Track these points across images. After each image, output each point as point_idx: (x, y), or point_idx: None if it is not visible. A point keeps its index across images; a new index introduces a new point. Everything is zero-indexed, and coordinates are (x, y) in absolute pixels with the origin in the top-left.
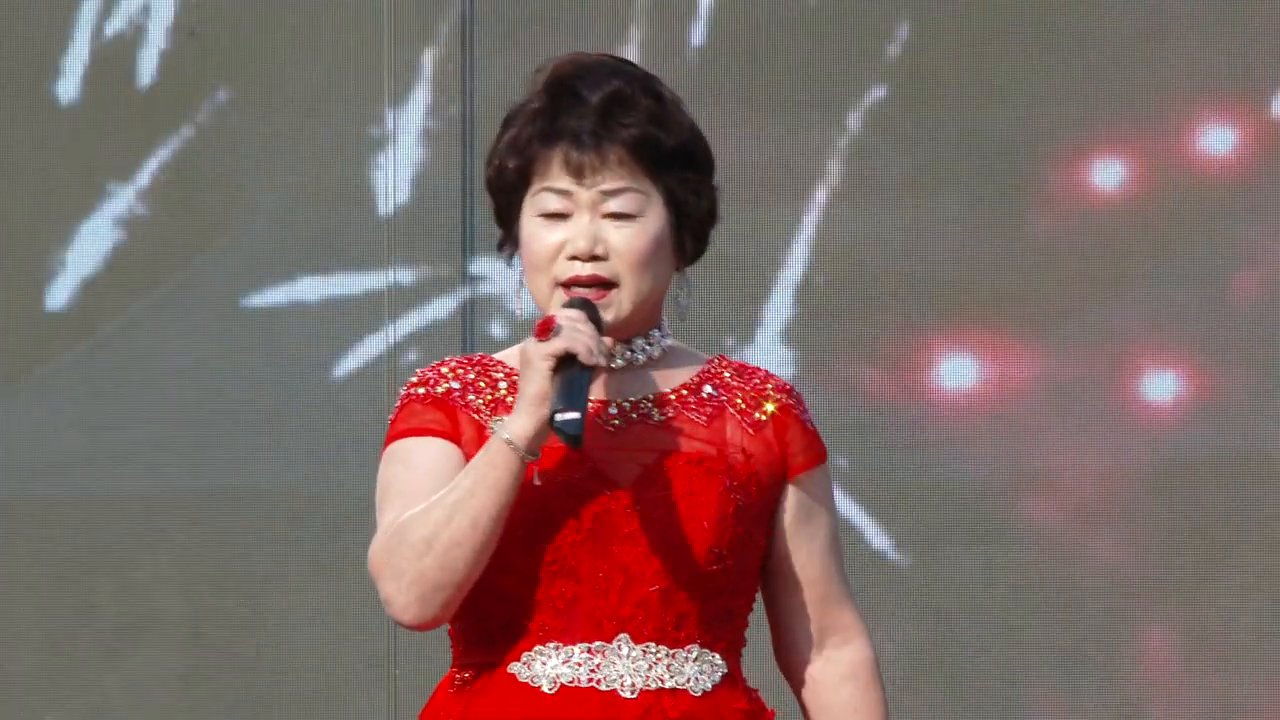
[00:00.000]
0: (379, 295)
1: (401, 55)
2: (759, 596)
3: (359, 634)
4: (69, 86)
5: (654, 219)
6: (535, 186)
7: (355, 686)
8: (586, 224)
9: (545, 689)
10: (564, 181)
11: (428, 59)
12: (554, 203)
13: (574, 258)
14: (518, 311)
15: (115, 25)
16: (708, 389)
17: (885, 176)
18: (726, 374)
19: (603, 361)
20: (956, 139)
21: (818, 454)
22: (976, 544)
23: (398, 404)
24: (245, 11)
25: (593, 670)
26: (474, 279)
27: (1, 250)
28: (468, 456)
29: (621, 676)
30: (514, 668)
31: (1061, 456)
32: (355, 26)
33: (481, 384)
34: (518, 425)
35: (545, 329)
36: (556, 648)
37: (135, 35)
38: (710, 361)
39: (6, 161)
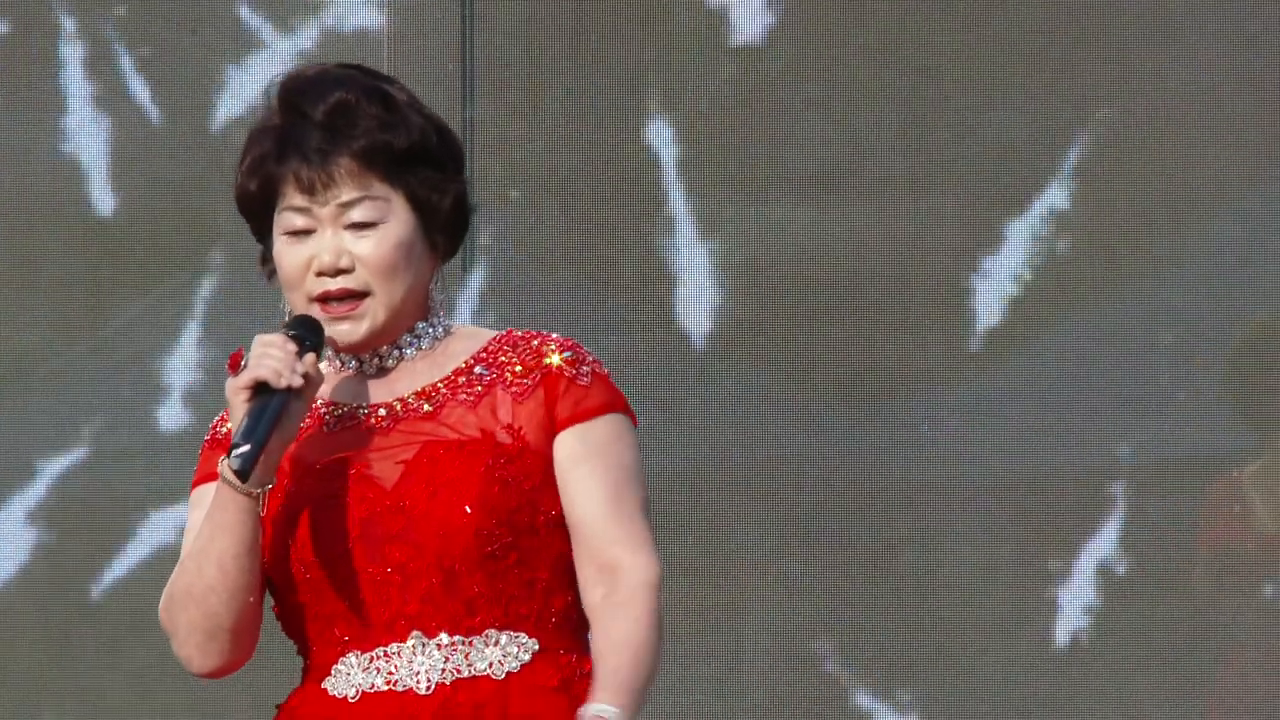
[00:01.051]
0: None
1: (401, 53)
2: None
3: None
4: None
5: (397, 223)
6: (279, 205)
7: None
8: (329, 238)
9: (350, 698)
10: (300, 199)
11: (426, 60)
12: (296, 220)
13: (321, 273)
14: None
15: None
16: (479, 369)
17: (886, 176)
18: (503, 351)
19: (298, 382)
20: (957, 139)
21: (593, 407)
22: (978, 542)
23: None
24: (244, 32)
25: (390, 672)
26: (475, 280)
27: None
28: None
29: (417, 674)
30: (326, 682)
31: (1066, 456)
32: (354, 29)
33: None
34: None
35: (235, 363)
36: (357, 655)
37: None
38: (493, 340)
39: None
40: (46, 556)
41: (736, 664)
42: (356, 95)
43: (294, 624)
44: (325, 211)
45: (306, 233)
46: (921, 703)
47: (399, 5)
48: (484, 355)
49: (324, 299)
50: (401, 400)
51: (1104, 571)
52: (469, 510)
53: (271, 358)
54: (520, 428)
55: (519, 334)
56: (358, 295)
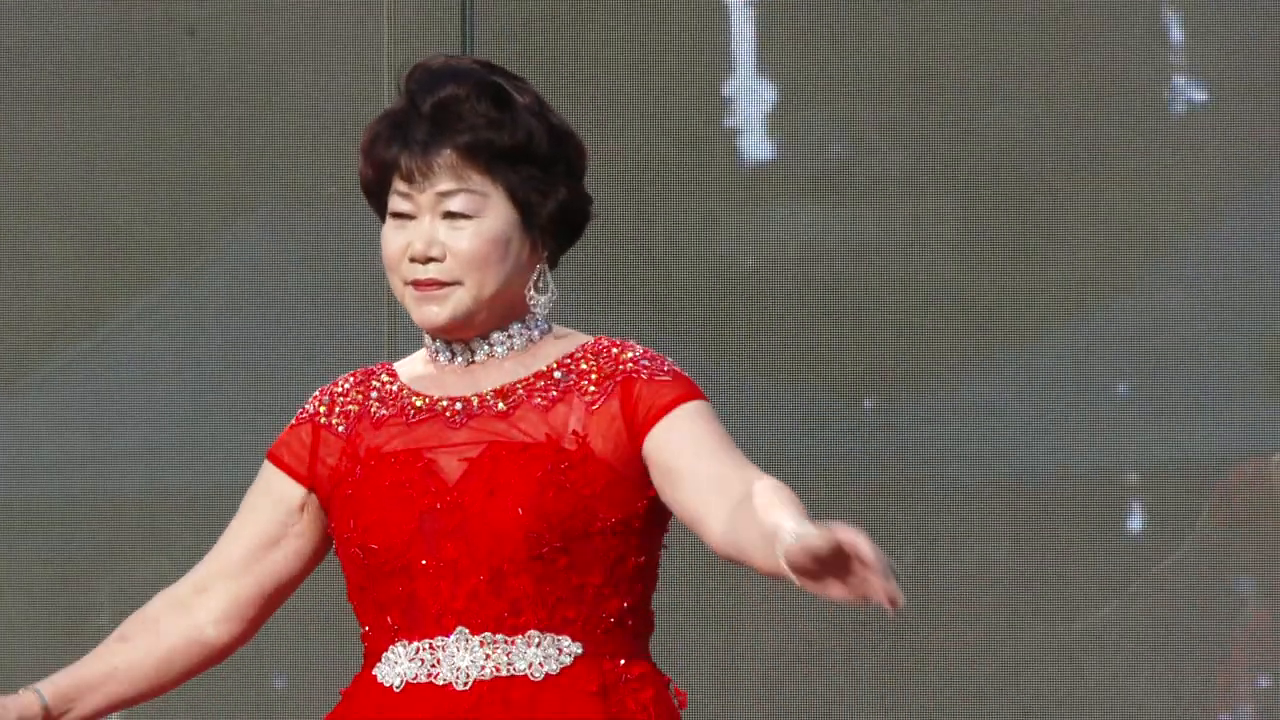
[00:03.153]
0: (378, 295)
1: (401, 53)
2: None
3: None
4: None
5: (494, 218)
6: (390, 189)
7: None
8: (426, 226)
9: (395, 688)
10: (404, 185)
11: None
12: (401, 204)
13: (414, 259)
14: None
15: None
16: (559, 374)
17: (885, 176)
18: (585, 358)
19: None
20: (957, 139)
21: (673, 399)
22: (978, 542)
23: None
24: (245, 14)
25: (433, 665)
26: None
27: None
28: (322, 485)
29: (458, 669)
30: (377, 669)
31: (1067, 456)
32: (354, 29)
33: (355, 394)
34: None
35: None
36: (405, 645)
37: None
38: (580, 346)
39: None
40: (48, 556)
41: (735, 663)
42: (468, 90)
43: (357, 607)
44: (425, 199)
45: (409, 218)
46: (921, 702)
47: (401, 3)
48: (568, 361)
49: (414, 285)
50: (479, 396)
51: (1104, 571)
52: (520, 512)
53: None
54: (586, 436)
55: (606, 342)
56: (446, 285)
